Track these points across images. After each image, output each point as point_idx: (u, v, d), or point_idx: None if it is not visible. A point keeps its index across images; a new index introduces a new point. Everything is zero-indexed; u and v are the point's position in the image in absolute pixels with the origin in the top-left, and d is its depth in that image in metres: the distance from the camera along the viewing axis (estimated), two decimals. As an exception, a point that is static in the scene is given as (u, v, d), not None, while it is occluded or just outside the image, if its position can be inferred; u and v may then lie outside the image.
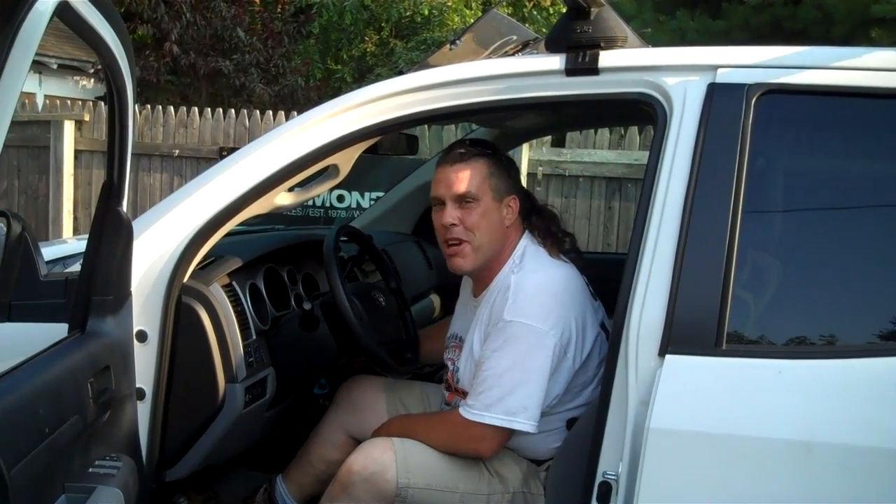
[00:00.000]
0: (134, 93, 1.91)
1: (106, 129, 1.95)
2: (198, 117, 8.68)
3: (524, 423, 2.32)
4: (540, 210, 2.62)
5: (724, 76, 2.08)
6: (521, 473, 2.46)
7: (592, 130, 7.40)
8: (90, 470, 1.80)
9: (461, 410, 2.38)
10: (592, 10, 2.19)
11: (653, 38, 7.16)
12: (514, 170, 2.58)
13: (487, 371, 2.35)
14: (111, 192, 2.00)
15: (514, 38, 2.62)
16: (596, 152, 7.46)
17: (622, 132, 7.45)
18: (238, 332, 2.43)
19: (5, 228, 1.93)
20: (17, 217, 1.98)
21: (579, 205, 7.47)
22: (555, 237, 2.54)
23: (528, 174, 7.46)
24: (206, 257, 2.45)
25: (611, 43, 2.20)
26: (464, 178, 2.45)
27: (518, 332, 2.34)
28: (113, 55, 1.72)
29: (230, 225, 2.38)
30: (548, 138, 7.42)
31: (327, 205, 7.68)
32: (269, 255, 2.85)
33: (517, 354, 2.33)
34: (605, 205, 7.47)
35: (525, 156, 7.41)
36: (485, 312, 2.48)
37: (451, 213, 2.46)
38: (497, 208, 2.48)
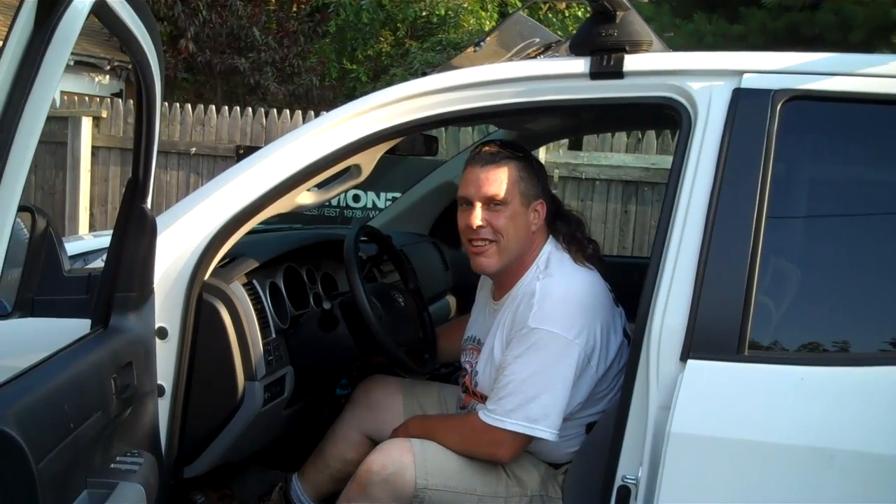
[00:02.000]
0: (162, 91, 1.91)
1: (134, 125, 1.95)
2: (215, 115, 8.70)
3: (545, 430, 2.31)
4: (565, 215, 2.61)
5: (749, 81, 2.07)
6: (539, 477, 2.45)
7: (610, 134, 7.39)
8: (112, 466, 1.80)
9: (481, 415, 2.38)
10: (618, 13, 2.19)
11: (671, 42, 7.16)
12: (542, 174, 2.56)
13: (510, 377, 2.34)
14: (136, 188, 2.00)
15: (537, 40, 2.62)
16: (613, 155, 7.46)
17: (639, 136, 7.44)
18: (258, 330, 2.43)
19: (30, 223, 1.94)
20: (42, 212, 1.98)
21: (595, 208, 7.47)
22: (580, 244, 2.53)
23: (545, 176, 7.44)
24: (226, 255, 2.45)
25: (636, 47, 2.19)
26: (494, 180, 2.43)
27: (543, 339, 2.32)
28: (144, 53, 1.72)
29: (252, 223, 2.38)
30: (564, 141, 7.42)
31: (343, 205, 7.70)
32: (289, 255, 2.86)
33: (541, 362, 2.32)
34: (621, 208, 7.47)
35: (542, 158, 7.39)
36: (507, 317, 2.47)
37: (478, 215, 2.44)
38: (524, 213, 2.46)
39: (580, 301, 2.39)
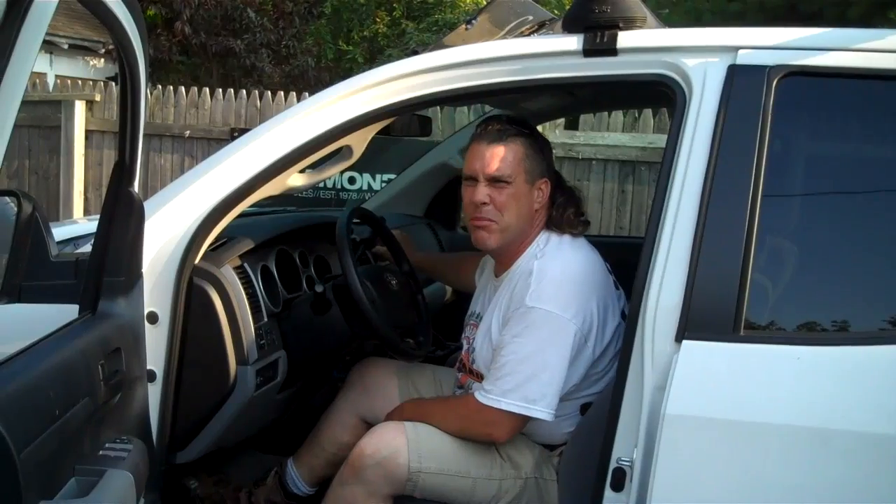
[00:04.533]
0: (146, 73, 1.88)
1: (117, 109, 1.92)
2: (209, 98, 8.65)
3: (541, 410, 2.30)
4: (566, 190, 2.58)
5: (744, 57, 2.04)
6: (533, 459, 2.44)
7: (606, 113, 7.36)
8: (100, 453, 1.78)
9: (477, 395, 2.36)
10: (611, -11, 2.16)
11: (667, 19, 7.09)
12: (548, 151, 2.54)
13: (507, 357, 2.33)
14: (123, 172, 1.97)
15: (531, 18, 2.58)
16: (609, 135, 7.42)
17: (636, 115, 7.41)
18: (249, 314, 2.41)
19: (16, 208, 1.91)
20: (28, 197, 1.95)
21: (592, 188, 7.43)
22: (570, 223, 2.50)
23: (541, 156, 7.41)
24: (217, 239, 2.43)
25: (629, 23, 2.16)
26: (499, 157, 2.42)
27: (539, 318, 2.31)
28: (126, 34, 1.69)
29: (242, 206, 2.36)
30: (561, 121, 7.38)
31: (338, 187, 7.66)
32: (281, 237, 2.83)
33: (538, 342, 2.31)
34: (618, 188, 7.43)
35: (538, 137, 7.36)
36: (505, 296, 2.45)
37: (482, 192, 2.42)
38: (528, 191, 2.45)
39: (577, 281, 2.38)
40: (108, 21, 1.61)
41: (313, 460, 2.82)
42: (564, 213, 2.50)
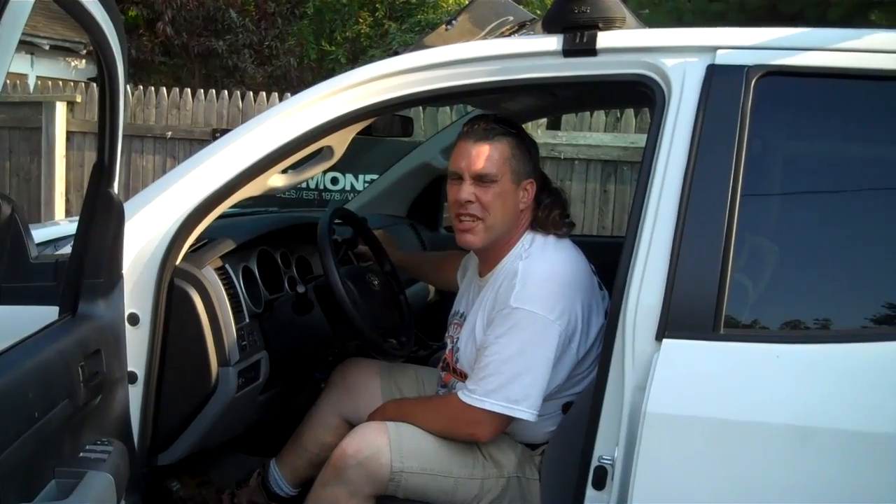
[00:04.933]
0: (125, 72, 1.88)
1: (97, 109, 1.92)
2: (191, 99, 8.62)
3: (524, 411, 2.30)
4: (552, 192, 2.57)
5: (723, 57, 2.05)
6: (515, 458, 2.45)
7: (588, 113, 7.37)
8: (81, 455, 1.77)
9: (461, 395, 2.36)
10: (590, -11, 2.16)
11: (649, 20, 7.09)
12: (534, 152, 2.54)
13: (490, 357, 2.33)
14: (102, 173, 1.97)
15: (511, 18, 2.58)
16: (591, 135, 7.43)
17: (618, 115, 7.42)
18: (231, 315, 2.40)
19: (-6, 210, 1.91)
20: (7, 198, 1.95)
21: (574, 188, 7.43)
22: (555, 224, 2.50)
23: (524, 157, 7.41)
24: (198, 240, 2.42)
25: (609, 24, 2.16)
26: (485, 156, 2.41)
27: (524, 319, 2.31)
28: (104, 34, 1.69)
29: (223, 207, 2.35)
30: (543, 121, 7.39)
31: (321, 187, 7.65)
32: (263, 238, 2.83)
33: (522, 342, 2.31)
34: (600, 188, 7.45)
35: (521, 138, 7.35)
36: (489, 296, 2.45)
37: (467, 190, 2.42)
38: (514, 191, 2.44)
39: (562, 282, 2.38)
40: (84, 21, 1.61)
41: (296, 461, 2.81)
42: (550, 215, 2.50)
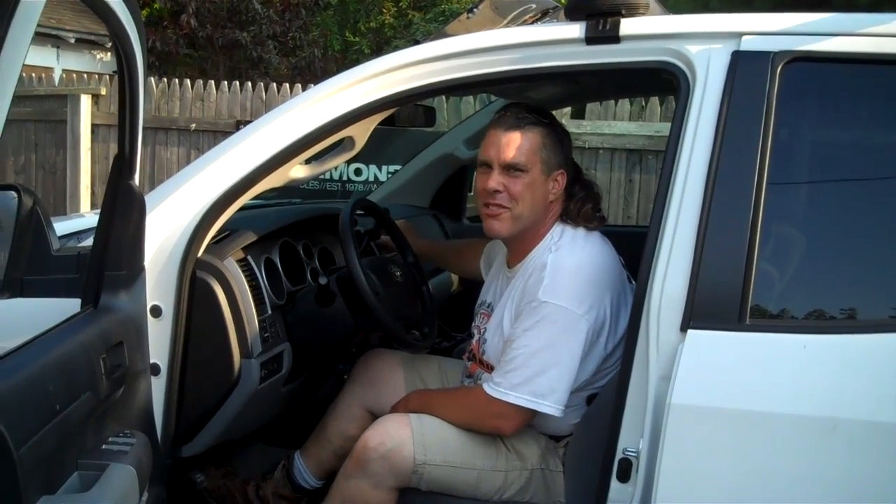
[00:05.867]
0: (145, 64, 1.87)
1: (117, 101, 1.91)
2: (215, 90, 8.65)
3: (550, 406, 2.28)
4: (585, 184, 2.54)
5: (748, 44, 2.02)
6: (539, 450, 2.43)
7: (613, 102, 7.33)
8: (103, 447, 1.77)
9: (486, 387, 2.35)
10: (613, -24, 2.14)
11: (675, 7, 7.02)
12: (567, 142, 2.50)
13: (517, 350, 2.31)
14: (123, 165, 1.97)
15: (534, 6, 2.56)
16: (616, 124, 7.40)
17: (643, 103, 7.38)
18: (253, 306, 2.40)
19: (17, 203, 1.91)
20: (29, 191, 1.95)
21: (599, 177, 7.40)
22: (586, 218, 2.47)
23: (548, 146, 7.38)
24: (220, 231, 2.42)
25: (632, 10, 2.14)
26: (515, 145, 2.38)
27: (552, 313, 2.28)
28: (122, 25, 1.68)
29: (245, 198, 2.35)
30: (567, 110, 7.35)
31: (345, 178, 7.66)
32: (285, 230, 2.82)
33: (550, 336, 2.29)
34: (625, 177, 7.41)
35: (544, 128, 7.32)
36: (518, 287, 2.43)
37: (496, 179, 2.39)
38: (544, 182, 2.41)
39: (591, 276, 2.35)
40: (103, 13, 1.60)
41: (320, 453, 2.81)
42: (582, 209, 2.46)
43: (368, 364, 2.86)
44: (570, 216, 2.47)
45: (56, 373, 1.60)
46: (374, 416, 2.69)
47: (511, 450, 2.41)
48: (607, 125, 7.40)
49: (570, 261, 2.37)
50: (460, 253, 3.19)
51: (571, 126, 7.35)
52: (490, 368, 2.45)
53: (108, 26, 1.64)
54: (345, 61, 13.09)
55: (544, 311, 2.30)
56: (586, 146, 7.42)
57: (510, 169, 2.39)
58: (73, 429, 1.64)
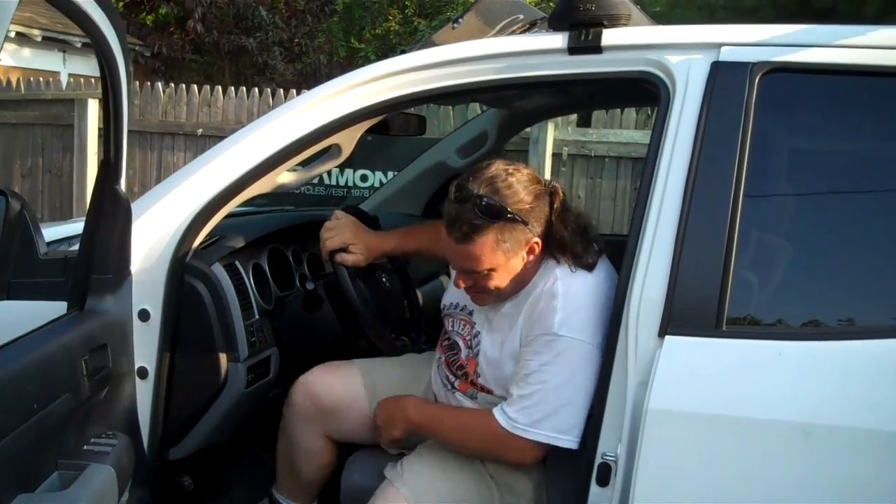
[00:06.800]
0: (128, 70, 1.90)
1: (101, 107, 1.94)
2: (221, 96, 8.69)
3: (571, 441, 2.19)
4: (567, 221, 2.31)
5: (727, 54, 2.05)
6: (532, 483, 2.37)
7: (619, 110, 7.34)
8: (85, 447, 1.81)
9: (503, 424, 2.24)
10: (596, -14, 2.16)
11: (681, 16, 7.03)
12: (535, 211, 2.24)
13: (535, 386, 2.21)
14: (109, 170, 2.00)
15: (521, 17, 2.58)
16: (622, 132, 7.41)
17: (649, 112, 7.38)
18: (240, 311, 2.42)
19: (4, 207, 1.94)
20: (16, 195, 1.98)
21: (605, 185, 7.42)
22: (577, 256, 2.28)
23: (553, 154, 7.42)
24: (209, 237, 2.45)
25: (614, 21, 2.16)
26: (471, 257, 2.23)
27: (570, 347, 2.18)
28: (101, 32, 1.71)
29: (233, 204, 2.37)
30: (573, 118, 7.38)
31: (350, 184, 7.69)
32: (274, 236, 2.85)
33: (569, 371, 2.19)
34: (631, 185, 7.41)
35: (550, 135, 7.36)
36: (520, 316, 2.30)
37: (465, 280, 2.31)
38: (516, 261, 2.26)
39: (603, 303, 2.23)
40: (80, 21, 1.63)
41: (303, 488, 2.74)
42: (569, 251, 2.29)
43: (314, 395, 2.65)
44: (555, 257, 2.31)
45: (35, 373, 1.63)
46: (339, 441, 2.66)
47: (504, 487, 2.36)
48: (613, 133, 7.41)
49: (581, 289, 2.25)
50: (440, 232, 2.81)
51: (577, 134, 7.39)
52: (486, 391, 2.38)
53: (88, 34, 1.68)
54: (350, 68, 13.04)
55: (561, 345, 2.19)
56: (592, 154, 7.44)
57: (473, 273, 2.28)
58: (52, 428, 1.67)
